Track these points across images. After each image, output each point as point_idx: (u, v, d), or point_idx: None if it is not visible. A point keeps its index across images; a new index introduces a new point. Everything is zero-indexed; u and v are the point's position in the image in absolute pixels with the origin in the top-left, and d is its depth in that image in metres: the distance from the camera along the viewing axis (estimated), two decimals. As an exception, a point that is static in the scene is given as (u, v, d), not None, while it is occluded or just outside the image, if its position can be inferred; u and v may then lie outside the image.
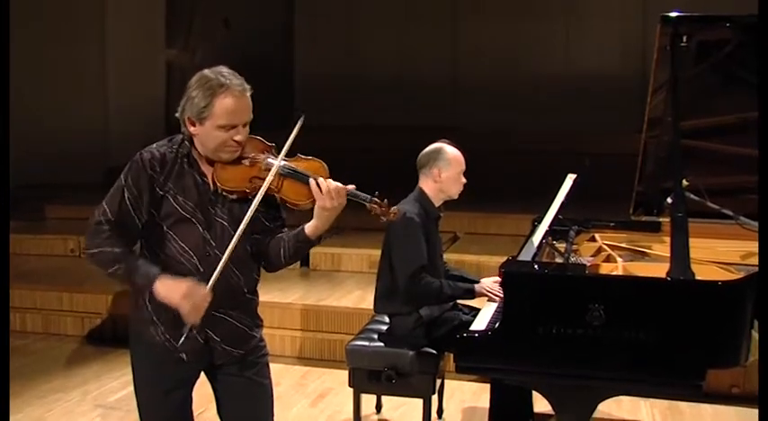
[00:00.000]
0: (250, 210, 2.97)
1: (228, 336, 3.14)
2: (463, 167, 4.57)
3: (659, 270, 3.70)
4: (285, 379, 5.98)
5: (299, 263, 7.61)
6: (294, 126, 3.09)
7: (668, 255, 3.57)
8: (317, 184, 2.97)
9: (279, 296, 6.66)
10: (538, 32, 12.74)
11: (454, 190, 4.58)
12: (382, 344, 4.62)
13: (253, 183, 3.03)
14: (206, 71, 3.01)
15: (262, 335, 3.31)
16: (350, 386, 4.66)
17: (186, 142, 3.09)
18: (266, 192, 2.99)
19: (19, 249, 8.32)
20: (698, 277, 3.48)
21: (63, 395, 5.66)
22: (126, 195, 3.02)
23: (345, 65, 13.21)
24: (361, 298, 6.59)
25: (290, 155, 3.08)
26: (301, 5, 14.03)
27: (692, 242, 3.55)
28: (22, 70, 9.34)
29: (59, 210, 9.43)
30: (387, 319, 4.80)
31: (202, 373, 3.26)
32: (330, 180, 2.98)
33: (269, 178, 2.99)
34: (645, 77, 5.44)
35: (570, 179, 4.64)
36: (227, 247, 2.97)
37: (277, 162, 3.03)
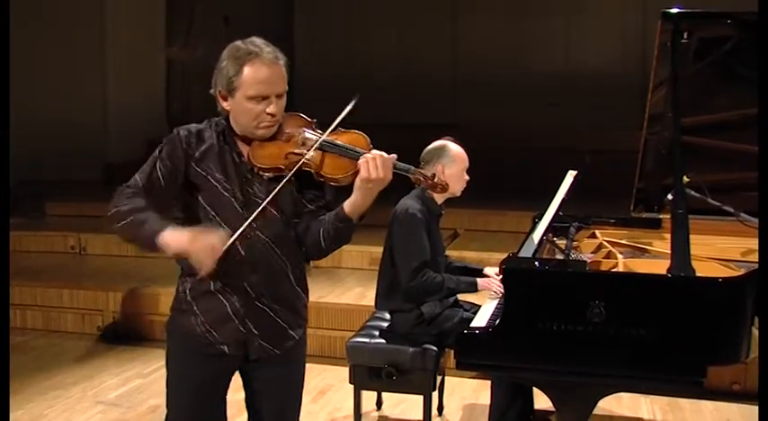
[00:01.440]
0: (283, 181, 2.83)
1: (268, 332, 2.98)
2: (466, 165, 4.59)
3: (660, 266, 3.71)
4: (286, 376, 5.97)
5: None
6: (347, 105, 2.96)
7: (669, 251, 3.57)
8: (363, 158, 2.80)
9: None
10: (538, 30, 12.73)
11: (457, 187, 4.58)
12: (383, 340, 4.63)
13: (288, 159, 2.86)
14: (237, 42, 2.89)
15: (304, 334, 3.14)
16: (350, 383, 4.67)
17: (222, 120, 2.96)
18: (302, 168, 2.84)
19: (19, 246, 8.33)
20: (698, 274, 3.48)
21: (63, 392, 5.67)
22: (158, 166, 2.90)
23: (345, 64, 13.18)
24: (361, 295, 6.60)
25: (333, 130, 2.94)
26: (301, 5, 14.02)
27: (693, 239, 3.55)
28: (22, 68, 9.34)
29: (59, 208, 9.44)
30: (388, 316, 4.80)
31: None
32: (375, 150, 2.82)
33: (309, 153, 2.84)
34: (645, 75, 5.46)
35: (571, 176, 4.65)
36: (267, 228, 2.88)
37: (314, 136, 2.89)
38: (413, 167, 2.89)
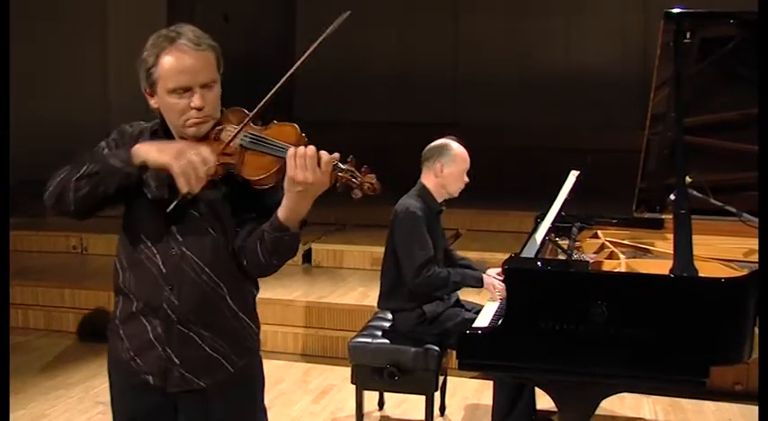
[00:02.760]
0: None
1: (192, 362, 2.56)
2: (467, 166, 4.60)
3: (662, 267, 3.70)
4: (287, 376, 5.99)
5: (300, 259, 7.68)
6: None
7: (671, 251, 3.57)
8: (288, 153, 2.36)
9: (281, 293, 6.66)
10: (538, 30, 12.71)
11: (455, 187, 4.62)
12: (385, 340, 4.64)
13: (219, 161, 2.44)
14: (163, 29, 2.53)
15: (252, 368, 2.71)
16: (352, 383, 4.67)
17: (158, 119, 2.61)
18: (227, 171, 2.44)
19: (20, 246, 8.34)
20: (701, 274, 3.48)
21: (65, 392, 5.67)
22: (104, 146, 2.58)
23: (346, 62, 13.12)
24: (363, 295, 6.61)
25: (262, 122, 2.53)
26: (302, 3, 14.01)
27: (695, 239, 3.54)
28: (23, 67, 9.33)
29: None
30: (390, 316, 4.82)
31: None
32: (309, 147, 2.34)
33: (226, 142, 2.45)
34: (646, 74, 5.46)
35: (573, 176, 4.65)
36: (196, 245, 2.50)
37: (235, 131, 2.46)
38: (345, 166, 2.40)
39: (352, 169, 2.39)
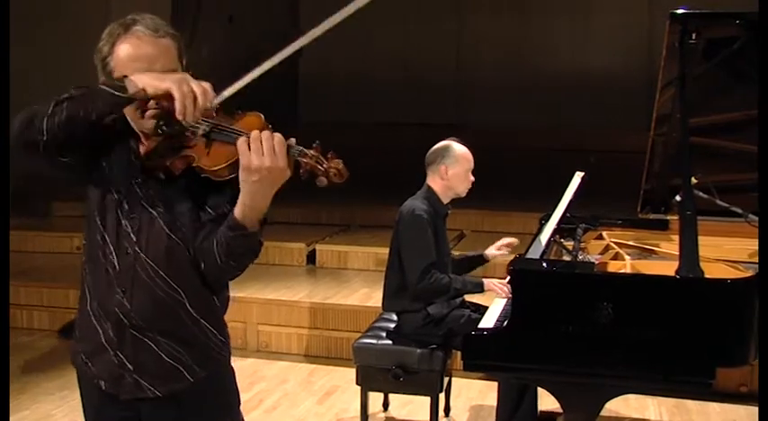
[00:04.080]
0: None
1: (147, 368, 2.38)
2: (471, 165, 4.61)
3: (668, 268, 3.70)
4: (292, 377, 6.00)
5: (304, 260, 7.70)
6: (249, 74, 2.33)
7: (676, 252, 3.57)
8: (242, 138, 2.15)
9: (285, 294, 6.65)
10: (542, 29, 12.71)
11: (462, 187, 4.62)
12: (390, 341, 4.64)
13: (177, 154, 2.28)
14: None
15: (215, 379, 2.47)
16: (357, 384, 4.67)
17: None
18: (187, 164, 2.27)
19: (25, 246, 8.33)
20: (706, 275, 3.47)
21: (69, 393, 5.66)
22: None
23: (350, 63, 13.17)
24: (367, 296, 6.60)
25: (226, 111, 2.33)
26: (306, 4, 14.01)
27: (701, 240, 3.55)
28: (22, 69, 9.32)
29: (66, 208, 9.42)
30: (395, 317, 4.82)
31: None
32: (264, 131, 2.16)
33: (189, 143, 2.25)
34: (651, 74, 5.43)
35: (578, 177, 4.65)
36: (152, 246, 2.31)
37: (200, 122, 2.23)
38: (308, 152, 2.19)
39: (317, 155, 2.19)
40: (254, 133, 2.13)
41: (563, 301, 3.52)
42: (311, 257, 7.77)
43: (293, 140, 2.18)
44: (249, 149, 2.11)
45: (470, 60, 13.06)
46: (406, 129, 11.47)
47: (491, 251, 4.77)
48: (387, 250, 4.73)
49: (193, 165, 2.25)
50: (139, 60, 2.25)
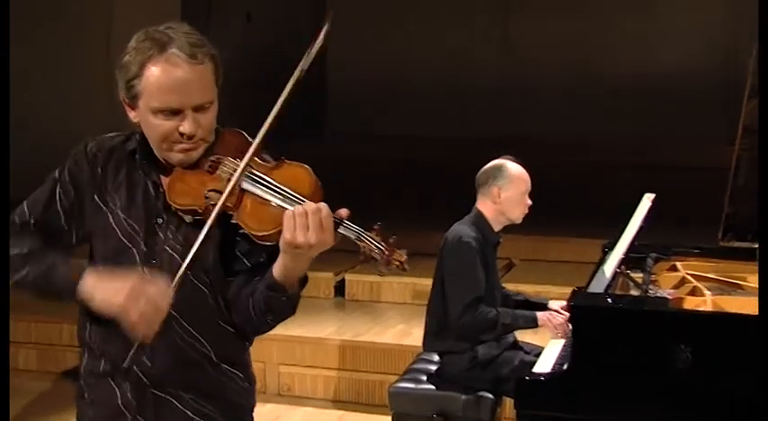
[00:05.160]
0: (201, 235, 2.29)
1: None
2: (528, 187, 4.61)
3: (755, 305, 3.65)
4: (317, 425, 5.98)
5: (332, 292, 7.69)
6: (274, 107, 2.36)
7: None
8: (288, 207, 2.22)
9: (311, 330, 6.64)
10: (608, 29, 12.63)
11: (516, 213, 4.62)
12: (431, 386, 4.64)
13: (210, 200, 2.33)
14: (152, 28, 2.37)
15: None
16: (392, 434, 4.66)
17: (137, 135, 2.46)
18: (223, 212, 2.31)
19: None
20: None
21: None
22: (58, 192, 2.46)
23: (385, 68, 13.10)
24: (404, 333, 6.59)
25: (269, 157, 2.41)
26: (334, 1, 14.04)
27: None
28: (24, 69, 9.39)
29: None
30: (436, 358, 4.82)
31: None
32: (310, 203, 2.21)
33: (226, 191, 2.30)
34: (733, 78, 5.40)
35: (648, 199, 4.62)
36: (176, 296, 2.31)
37: (239, 167, 2.32)
38: (366, 233, 2.23)
39: (378, 240, 2.22)
40: (299, 209, 2.17)
41: (632, 343, 3.52)
42: (340, 288, 7.75)
43: (345, 212, 2.23)
44: (292, 224, 2.16)
45: (519, 64, 12.96)
46: (447, 144, 11.45)
47: (556, 305, 4.66)
48: (427, 281, 4.75)
49: (233, 221, 2.30)
50: (172, 91, 2.28)
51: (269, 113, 2.34)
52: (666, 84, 11.93)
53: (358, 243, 2.21)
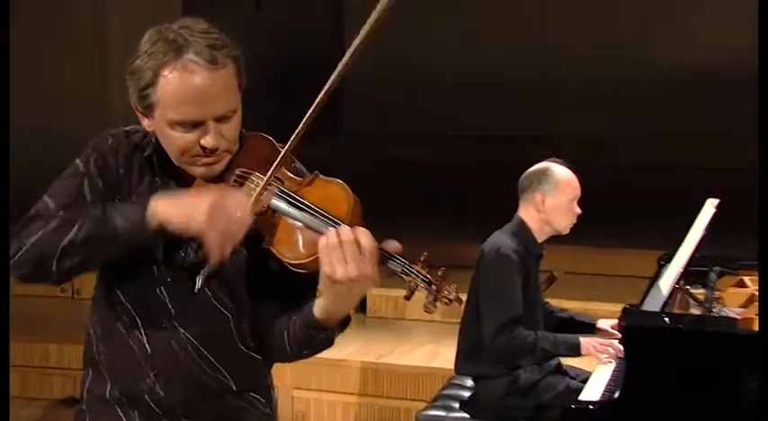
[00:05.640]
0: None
1: None
2: (576, 194, 4.59)
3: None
4: (336, 456, 5.99)
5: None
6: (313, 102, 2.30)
7: None
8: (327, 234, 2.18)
9: (330, 351, 6.53)
10: (637, 16, 12.63)
11: (563, 222, 4.61)
12: (464, 414, 4.65)
13: None
14: (165, 26, 2.34)
15: None
16: (420, 468, 4.66)
17: (153, 140, 2.44)
18: (250, 232, 2.29)
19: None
20: None
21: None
22: (86, 186, 2.42)
23: (407, 64, 13.15)
24: (433, 353, 6.58)
25: (301, 168, 2.44)
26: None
27: None
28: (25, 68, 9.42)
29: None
30: (470, 383, 4.82)
31: None
32: (351, 228, 2.18)
33: (250, 204, 2.29)
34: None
35: (711, 205, 4.58)
36: (194, 320, 2.37)
37: (263, 182, 2.31)
38: (413, 267, 2.22)
39: (424, 274, 2.22)
40: (332, 239, 2.14)
41: (693, 369, 3.54)
42: (361, 303, 7.61)
43: (395, 246, 2.23)
44: (330, 257, 2.15)
45: (554, 57, 13.02)
46: (477, 143, 11.45)
47: (605, 324, 4.66)
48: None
49: (264, 245, 2.29)
50: (191, 102, 2.26)
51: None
52: (706, 77, 11.91)
53: (404, 277, 2.21)
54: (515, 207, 4.65)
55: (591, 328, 4.72)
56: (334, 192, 2.30)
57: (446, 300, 2.24)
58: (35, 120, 10.30)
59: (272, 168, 2.30)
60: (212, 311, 2.39)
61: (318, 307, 2.28)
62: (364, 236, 2.16)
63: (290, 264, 2.26)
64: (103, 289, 2.47)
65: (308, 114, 2.30)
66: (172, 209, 2.24)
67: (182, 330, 2.38)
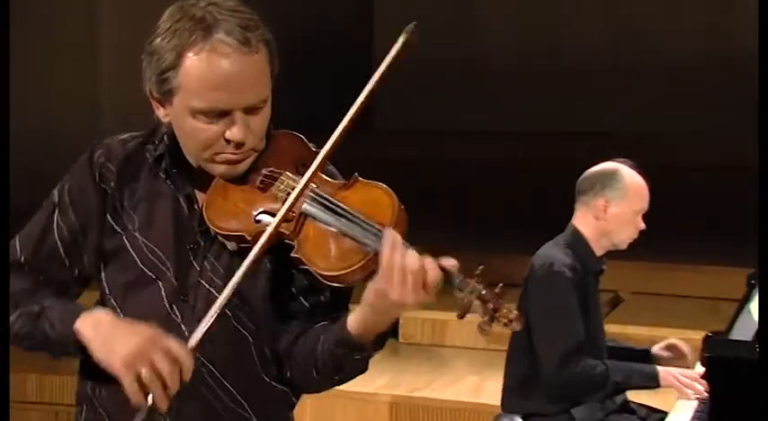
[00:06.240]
0: (243, 264, 2.26)
1: None
2: (644, 206, 4.56)
3: None
4: None
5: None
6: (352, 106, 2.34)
7: None
8: (382, 249, 2.18)
9: (355, 382, 6.40)
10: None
11: (623, 235, 4.59)
12: (514, 458, 4.61)
13: (261, 225, 2.32)
14: (189, 1, 2.36)
15: None
16: None
17: (165, 137, 2.47)
18: (277, 241, 2.30)
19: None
20: None
21: None
22: (56, 220, 2.46)
23: (448, 50, 13.16)
24: (476, 387, 6.57)
25: (335, 172, 2.46)
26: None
27: None
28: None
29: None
30: (520, 421, 4.82)
31: None
32: (421, 257, 2.18)
33: (280, 213, 2.28)
34: None
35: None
36: (212, 343, 2.34)
37: (299, 185, 2.31)
38: (470, 283, 2.20)
39: (480, 288, 2.19)
40: (398, 262, 2.15)
41: None
42: (394, 329, 7.59)
43: (452, 263, 2.19)
44: (394, 278, 2.15)
45: (626, 43, 13.10)
46: (531, 139, 11.44)
47: (659, 350, 4.67)
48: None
49: (294, 254, 2.28)
50: (219, 88, 2.28)
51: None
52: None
53: (457, 294, 2.19)
54: (564, 213, 4.63)
55: (645, 355, 4.70)
56: (377, 196, 2.31)
57: (505, 321, 2.19)
58: (27, 121, 10.36)
59: (312, 168, 2.30)
60: (232, 332, 2.39)
61: (353, 320, 2.28)
62: (432, 268, 2.16)
63: (322, 275, 2.26)
64: (105, 300, 2.47)
65: (351, 112, 2.32)
66: (94, 334, 2.28)
67: (197, 355, 2.32)
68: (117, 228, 2.43)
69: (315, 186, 2.32)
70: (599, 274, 4.65)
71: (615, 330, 6.59)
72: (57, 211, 2.45)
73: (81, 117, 10.80)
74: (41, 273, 2.45)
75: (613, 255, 4.76)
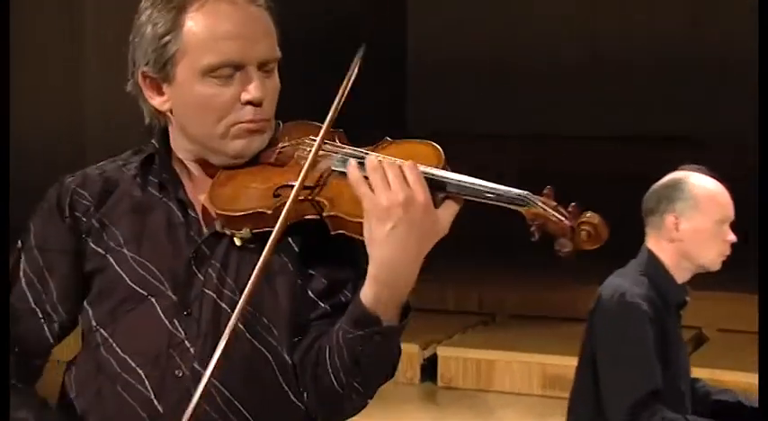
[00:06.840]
0: (266, 248, 2.24)
1: None
2: (727, 214, 4.44)
3: None
4: None
5: (417, 374, 7.69)
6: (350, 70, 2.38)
7: None
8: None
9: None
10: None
11: (709, 254, 4.45)
12: None
13: (282, 198, 2.32)
14: None
15: None
16: None
17: (152, 143, 2.50)
18: (304, 214, 2.33)
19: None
20: None
21: None
22: (23, 272, 2.48)
23: (483, 45, 13.30)
24: (529, 440, 6.53)
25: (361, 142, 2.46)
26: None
27: None
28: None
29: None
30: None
31: None
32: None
33: (301, 175, 2.29)
34: None
35: None
36: (225, 362, 2.27)
37: (331, 148, 2.38)
38: (539, 199, 2.24)
39: (546, 204, 2.19)
40: (371, 161, 2.22)
41: None
42: (430, 369, 7.74)
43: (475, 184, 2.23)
44: (375, 176, 2.19)
45: (697, 34, 13.00)
46: (585, 146, 11.47)
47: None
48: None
49: (329, 213, 2.30)
50: (232, 36, 2.32)
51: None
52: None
53: (519, 209, 2.20)
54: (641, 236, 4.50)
55: (738, 407, 4.61)
56: (421, 149, 2.34)
57: (587, 230, 2.19)
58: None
59: (328, 120, 2.33)
60: (245, 347, 2.35)
61: (366, 286, 2.23)
62: (402, 162, 2.21)
63: (351, 223, 2.26)
64: (91, 335, 2.43)
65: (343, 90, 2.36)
66: None
67: (200, 371, 2.31)
68: (98, 248, 2.41)
69: (343, 148, 2.36)
70: (681, 307, 4.52)
71: (701, 374, 6.47)
72: (23, 257, 2.48)
73: (63, 116, 11.04)
74: (16, 325, 2.43)
75: (694, 284, 4.61)
